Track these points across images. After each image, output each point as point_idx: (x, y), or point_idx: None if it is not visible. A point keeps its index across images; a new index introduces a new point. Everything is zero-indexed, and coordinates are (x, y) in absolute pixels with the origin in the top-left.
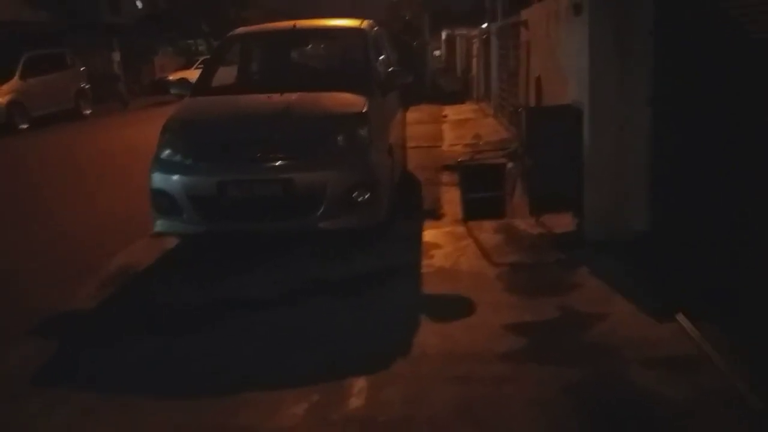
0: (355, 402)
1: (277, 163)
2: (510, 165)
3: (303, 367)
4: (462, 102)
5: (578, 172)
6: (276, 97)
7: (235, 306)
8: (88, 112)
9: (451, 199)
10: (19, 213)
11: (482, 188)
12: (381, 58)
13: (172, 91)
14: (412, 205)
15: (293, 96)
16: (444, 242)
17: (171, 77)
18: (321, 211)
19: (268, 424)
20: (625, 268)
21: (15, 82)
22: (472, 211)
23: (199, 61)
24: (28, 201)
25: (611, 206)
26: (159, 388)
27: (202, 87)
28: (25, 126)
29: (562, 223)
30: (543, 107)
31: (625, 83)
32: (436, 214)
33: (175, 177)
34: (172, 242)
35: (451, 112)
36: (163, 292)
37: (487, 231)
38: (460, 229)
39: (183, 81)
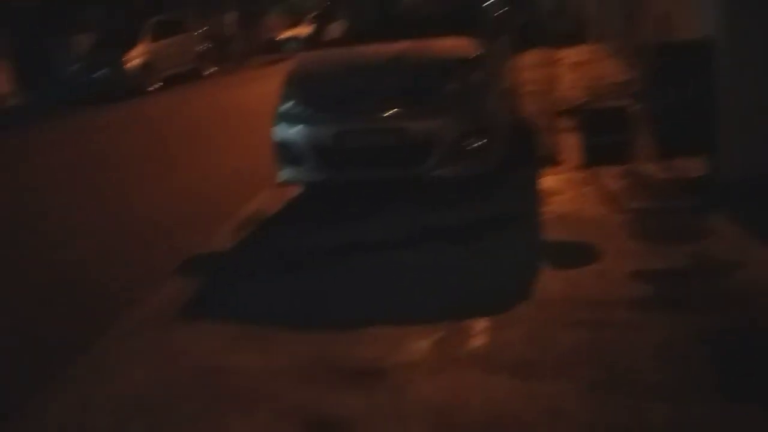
0: (478, 341)
1: (390, 112)
2: (634, 106)
3: (424, 306)
4: (577, 44)
5: (711, 112)
6: (387, 47)
7: (356, 249)
8: (208, 72)
9: (571, 144)
10: (159, 165)
11: (604, 132)
12: (491, 0)
13: (287, 46)
14: (528, 151)
15: (404, 44)
16: (564, 189)
17: (281, 36)
18: (435, 158)
19: (394, 358)
20: (764, 213)
21: (146, 44)
22: (594, 157)
23: (306, 19)
24: (165, 154)
25: (749, 148)
26: (293, 321)
27: (316, 41)
28: (155, 86)
29: (693, 167)
30: (671, 43)
31: (765, 12)
32: (554, 161)
33: (296, 128)
34: (295, 190)
35: (566, 54)
36: (289, 235)
37: (611, 176)
38: (581, 175)
39: (296, 37)
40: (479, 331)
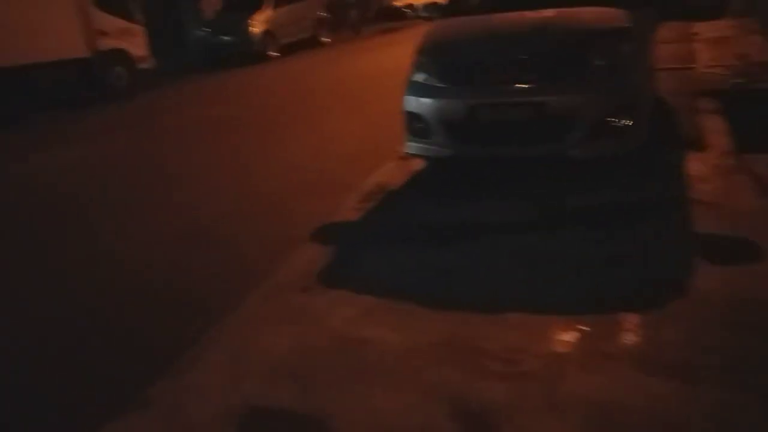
0: (630, 338)
1: (530, 86)
2: None
3: (566, 295)
4: (716, 18)
5: None
6: (530, 15)
7: (485, 228)
8: (325, 39)
9: (715, 128)
10: (282, 131)
11: (756, 116)
12: None
13: (422, 14)
14: (670, 133)
15: (549, 13)
16: (712, 176)
17: (398, 3)
18: (576, 136)
19: (539, 347)
20: None
21: (268, 12)
22: (744, 142)
23: None
24: (286, 120)
25: None
26: (425, 297)
27: (453, 8)
28: (275, 53)
29: None
30: None
31: None
32: (697, 145)
33: (427, 100)
34: (419, 164)
35: (703, 29)
36: (416, 209)
37: (766, 165)
38: (731, 162)
39: (434, 3)
40: (631, 327)
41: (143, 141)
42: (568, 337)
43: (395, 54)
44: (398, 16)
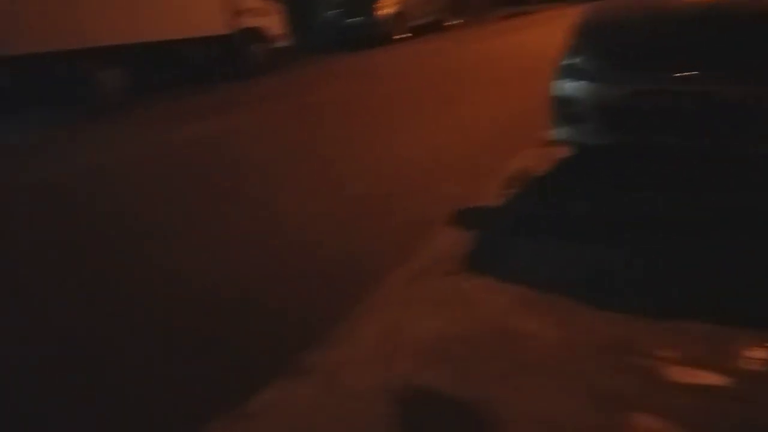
0: None
1: (702, 73)
2: None
3: (753, 307)
4: None
5: None
6: None
7: (642, 224)
8: (451, 23)
9: None
10: (415, 112)
11: None
12: None
13: None
14: None
15: None
16: None
17: None
18: (755, 131)
19: (726, 362)
20: None
21: None
22: None
23: None
24: (419, 102)
25: None
26: (582, 293)
27: None
28: (404, 35)
29: None
30: None
31: None
32: None
33: (584, 84)
34: (564, 151)
35: None
36: (564, 199)
37: None
38: None
39: None
40: None
41: (280, 116)
42: (762, 354)
43: (524, 39)
44: (522, 1)
